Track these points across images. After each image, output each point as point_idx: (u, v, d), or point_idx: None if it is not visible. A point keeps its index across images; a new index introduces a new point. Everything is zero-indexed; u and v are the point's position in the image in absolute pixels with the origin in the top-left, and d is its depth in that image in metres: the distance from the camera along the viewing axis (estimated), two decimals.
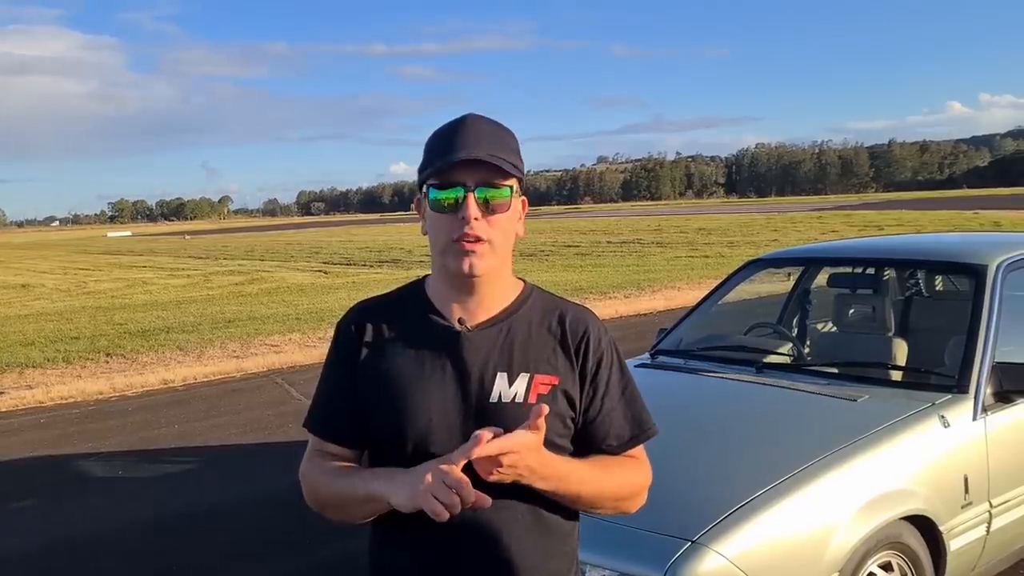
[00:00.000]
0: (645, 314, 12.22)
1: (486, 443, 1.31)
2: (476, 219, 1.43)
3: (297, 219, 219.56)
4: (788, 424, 3.07)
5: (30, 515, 5.23)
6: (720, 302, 4.41)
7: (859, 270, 4.31)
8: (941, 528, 2.80)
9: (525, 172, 1.54)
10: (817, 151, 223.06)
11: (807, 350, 4.14)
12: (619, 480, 1.53)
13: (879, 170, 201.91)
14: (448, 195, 1.44)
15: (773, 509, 2.45)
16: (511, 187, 1.47)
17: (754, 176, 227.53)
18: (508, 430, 1.36)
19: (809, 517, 2.51)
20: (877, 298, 4.05)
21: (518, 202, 1.51)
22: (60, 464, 6.21)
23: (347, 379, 1.54)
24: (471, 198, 1.43)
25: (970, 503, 2.93)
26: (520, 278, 1.60)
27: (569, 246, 30.13)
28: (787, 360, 3.81)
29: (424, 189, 1.49)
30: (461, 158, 1.41)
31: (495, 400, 1.47)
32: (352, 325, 1.56)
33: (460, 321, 1.51)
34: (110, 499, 5.45)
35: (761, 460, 2.71)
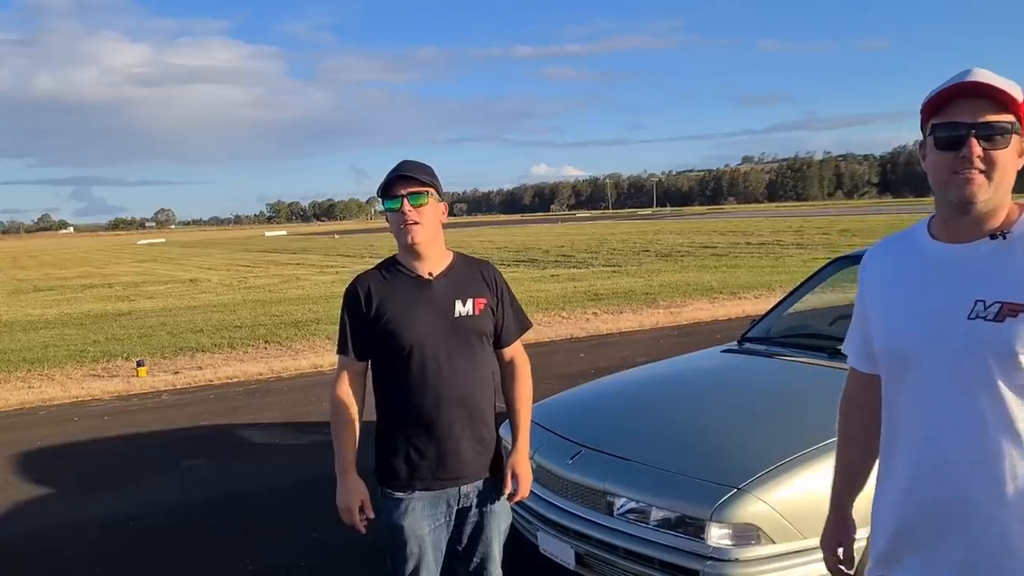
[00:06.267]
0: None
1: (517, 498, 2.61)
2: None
3: None
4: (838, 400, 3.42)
5: (205, 471, 6.14)
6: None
7: None
8: None
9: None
10: None
11: None
12: (528, 394, 2.67)
13: None
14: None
15: (810, 467, 2.85)
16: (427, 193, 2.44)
17: (911, 175, 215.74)
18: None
19: None
20: None
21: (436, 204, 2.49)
22: (227, 432, 7.16)
23: (362, 320, 2.47)
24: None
25: None
26: (450, 249, 2.59)
27: (706, 247, 30.05)
28: None
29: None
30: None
31: (457, 315, 2.48)
32: (356, 287, 2.51)
33: (429, 273, 2.49)
34: (268, 460, 6.31)
35: (806, 427, 3.10)
